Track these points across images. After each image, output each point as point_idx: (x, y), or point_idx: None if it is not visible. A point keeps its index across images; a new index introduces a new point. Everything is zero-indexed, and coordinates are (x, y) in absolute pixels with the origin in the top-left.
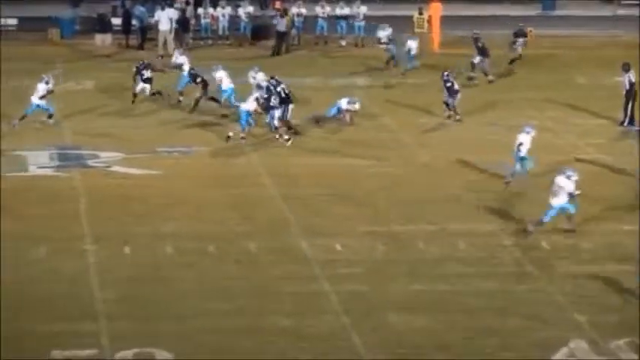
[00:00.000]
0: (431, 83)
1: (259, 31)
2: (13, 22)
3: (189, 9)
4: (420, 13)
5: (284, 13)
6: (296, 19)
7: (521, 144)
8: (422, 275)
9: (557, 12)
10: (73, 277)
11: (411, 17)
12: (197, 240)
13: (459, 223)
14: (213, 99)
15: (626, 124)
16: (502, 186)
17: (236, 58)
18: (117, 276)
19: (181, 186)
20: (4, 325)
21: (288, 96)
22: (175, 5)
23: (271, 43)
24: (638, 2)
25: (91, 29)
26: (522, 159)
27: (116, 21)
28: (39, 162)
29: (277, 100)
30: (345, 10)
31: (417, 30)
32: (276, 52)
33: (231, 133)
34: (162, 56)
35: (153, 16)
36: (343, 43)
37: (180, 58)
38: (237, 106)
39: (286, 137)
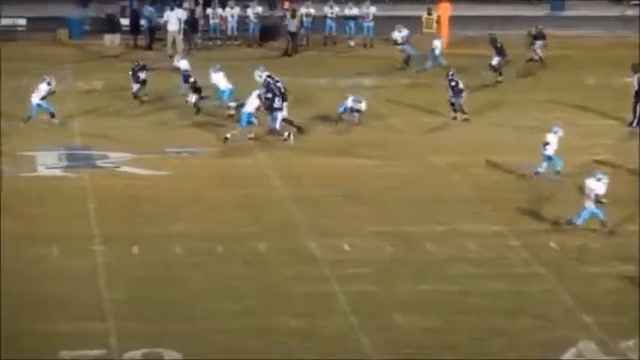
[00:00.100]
0: (439, 84)
1: (268, 32)
2: (22, 22)
3: (198, 9)
4: (429, 14)
5: (294, 13)
6: (304, 19)
7: (547, 143)
8: (430, 276)
9: (566, 12)
10: (82, 278)
11: (419, 17)
12: (206, 240)
13: (467, 224)
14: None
15: (635, 124)
16: (509, 186)
17: (245, 59)
18: (126, 276)
19: (190, 186)
20: (13, 324)
21: (284, 94)
22: (184, 6)
23: (279, 43)
24: None
25: (99, 29)
26: (549, 158)
27: (125, 21)
28: (47, 162)
29: (281, 101)
30: (354, 11)
31: (425, 30)
32: (288, 52)
33: (228, 135)
34: (170, 56)
35: (162, 16)
36: (352, 43)
37: (181, 62)
38: (233, 107)
39: (286, 134)
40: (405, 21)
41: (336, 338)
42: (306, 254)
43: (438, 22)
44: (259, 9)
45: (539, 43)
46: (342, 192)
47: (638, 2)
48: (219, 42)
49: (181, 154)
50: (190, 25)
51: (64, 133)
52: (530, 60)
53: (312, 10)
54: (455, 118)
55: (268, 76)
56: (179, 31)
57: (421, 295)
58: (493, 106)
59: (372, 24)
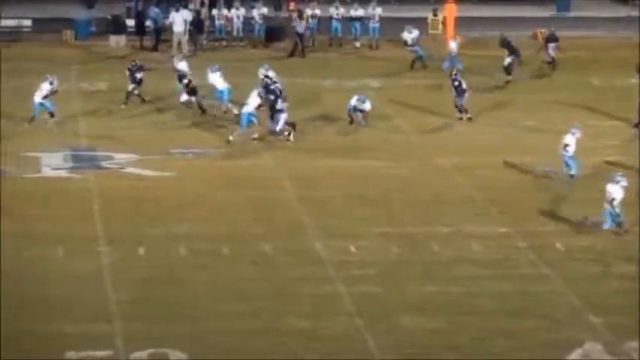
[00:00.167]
0: (445, 85)
1: (273, 33)
2: (27, 23)
3: (204, 10)
4: (435, 15)
5: (301, 14)
6: (310, 20)
7: (567, 145)
8: (436, 277)
9: (572, 13)
10: (87, 279)
11: (425, 19)
12: (211, 241)
13: (473, 225)
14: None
15: None
16: (515, 187)
17: (250, 60)
18: (131, 277)
19: (195, 187)
20: (18, 325)
21: (281, 93)
22: (190, 7)
23: (285, 44)
24: None
25: (105, 31)
26: (569, 160)
27: (130, 22)
28: (52, 163)
29: (282, 103)
30: (360, 12)
31: (431, 31)
32: (295, 53)
33: (231, 137)
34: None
35: (167, 17)
36: (357, 44)
37: (180, 64)
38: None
39: (286, 133)
40: (411, 22)
41: (341, 339)
42: (312, 255)
43: (444, 23)
44: (265, 10)
45: (551, 45)
46: (347, 193)
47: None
48: (224, 43)
49: (186, 155)
50: (196, 26)
51: (68, 134)
52: (548, 62)
53: (317, 11)
54: (461, 118)
55: (265, 76)
56: (185, 32)
57: (427, 296)
58: (498, 107)
59: (377, 25)
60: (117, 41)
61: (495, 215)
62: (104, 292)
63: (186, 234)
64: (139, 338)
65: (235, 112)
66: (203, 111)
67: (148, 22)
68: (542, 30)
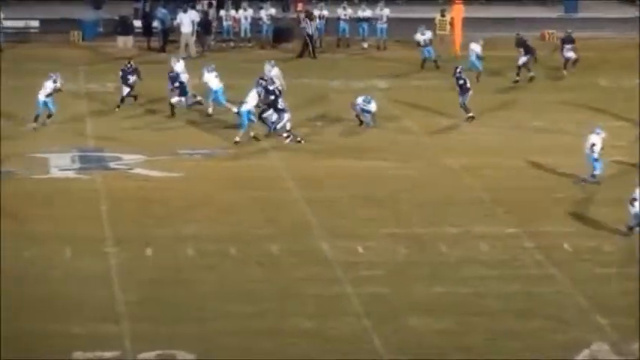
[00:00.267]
0: (452, 85)
1: (281, 34)
2: (34, 24)
3: (212, 11)
4: (443, 15)
5: (311, 15)
6: (318, 21)
7: (593, 144)
8: (443, 278)
9: (580, 14)
10: (95, 279)
11: (433, 19)
12: (218, 242)
13: (481, 226)
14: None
15: None
16: (522, 188)
17: (258, 61)
18: (138, 278)
19: (202, 188)
20: (27, 325)
21: (280, 93)
22: (197, 7)
23: (293, 45)
24: None
25: (112, 31)
26: (596, 160)
27: (138, 23)
28: (60, 164)
29: (284, 102)
30: (367, 13)
31: (439, 32)
32: (304, 54)
33: (238, 138)
34: (184, 58)
35: (175, 18)
36: (365, 45)
37: (177, 65)
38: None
39: (285, 135)
40: (419, 23)
41: (349, 340)
42: (319, 256)
43: (452, 24)
44: (272, 11)
45: (567, 47)
46: (355, 193)
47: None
48: (232, 44)
49: (194, 155)
50: (203, 27)
51: (76, 135)
52: (572, 63)
53: (325, 12)
54: (468, 119)
55: (261, 78)
56: (192, 33)
57: (435, 297)
58: (506, 108)
59: (385, 26)
60: (124, 42)
61: (503, 216)
62: (112, 293)
63: (194, 235)
64: (147, 339)
65: (234, 110)
66: (173, 114)
67: (156, 23)
68: (550, 31)
